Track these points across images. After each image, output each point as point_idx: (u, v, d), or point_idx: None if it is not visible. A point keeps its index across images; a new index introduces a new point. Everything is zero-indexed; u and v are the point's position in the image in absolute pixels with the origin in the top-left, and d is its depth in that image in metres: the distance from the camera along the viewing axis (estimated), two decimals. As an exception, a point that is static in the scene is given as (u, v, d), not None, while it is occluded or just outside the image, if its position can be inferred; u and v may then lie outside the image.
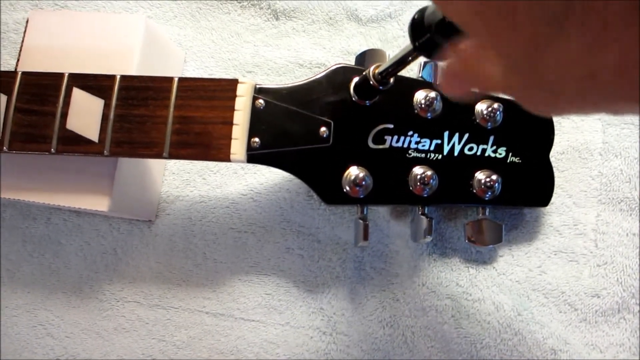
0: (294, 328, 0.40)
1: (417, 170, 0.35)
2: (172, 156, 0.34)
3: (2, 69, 0.49)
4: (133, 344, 0.42)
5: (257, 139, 0.34)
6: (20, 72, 0.37)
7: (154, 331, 0.42)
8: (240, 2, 0.46)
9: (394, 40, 0.44)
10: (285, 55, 0.45)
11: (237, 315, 0.41)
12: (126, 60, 0.40)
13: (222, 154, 0.34)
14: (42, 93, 0.37)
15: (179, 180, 0.44)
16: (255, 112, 0.34)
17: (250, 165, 0.43)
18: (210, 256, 0.42)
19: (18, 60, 0.41)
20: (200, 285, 0.42)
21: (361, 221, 0.36)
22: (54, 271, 0.44)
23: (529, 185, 0.37)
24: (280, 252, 0.41)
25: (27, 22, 0.42)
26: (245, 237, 0.42)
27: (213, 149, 0.34)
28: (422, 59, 0.41)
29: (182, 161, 0.45)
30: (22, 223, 0.46)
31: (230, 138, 0.34)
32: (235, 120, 0.34)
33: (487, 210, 0.37)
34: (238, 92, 0.34)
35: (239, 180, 0.43)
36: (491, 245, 0.38)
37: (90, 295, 0.44)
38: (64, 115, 0.36)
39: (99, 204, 0.37)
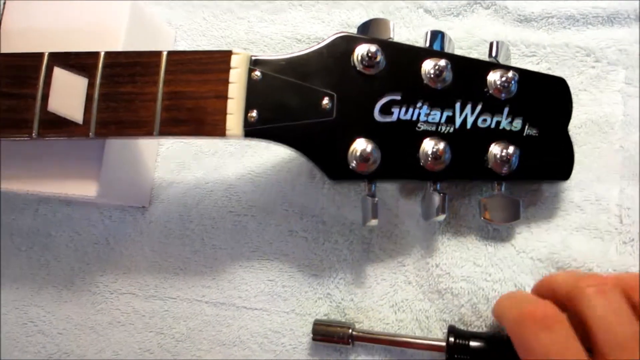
0: (300, 315, 0.38)
1: (428, 143, 0.33)
2: (162, 134, 0.32)
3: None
4: (129, 338, 0.40)
5: (254, 114, 0.32)
6: (-4, 54, 0.35)
7: (151, 324, 0.40)
8: (232, -25, 0.43)
9: (397, 12, 0.42)
10: (281, 31, 0.42)
11: (238, 303, 0.39)
12: (111, 42, 0.37)
13: (217, 130, 0.31)
14: (21, 75, 0.34)
15: (172, 164, 0.41)
16: (251, 85, 0.32)
17: (248, 146, 0.41)
18: (208, 242, 0.40)
19: (-4, 45, 0.38)
20: (199, 273, 0.40)
21: (369, 198, 0.33)
22: (43, 265, 0.42)
23: (548, 158, 0.34)
24: (283, 235, 0.39)
25: (3, 5, 0.39)
26: (245, 220, 0.40)
27: (207, 125, 0.31)
28: (429, 28, 0.39)
29: (175, 145, 0.42)
30: (8, 216, 0.43)
31: (225, 113, 0.31)
32: (229, 94, 0.31)
33: (503, 186, 0.35)
34: (232, 64, 0.32)
35: (236, 161, 0.40)
36: (508, 223, 0.36)
37: (82, 289, 0.41)
38: (45, 97, 0.33)
39: (86, 189, 0.35)
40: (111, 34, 0.37)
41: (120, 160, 0.37)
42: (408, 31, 0.41)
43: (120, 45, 0.37)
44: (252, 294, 0.39)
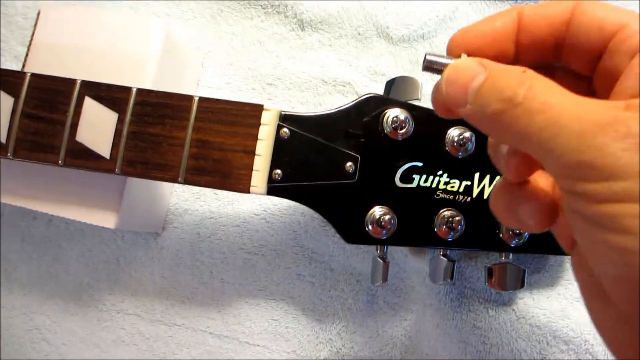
0: (300, 357, 0.39)
1: (445, 213, 0.33)
2: (187, 182, 0.32)
3: (8, 56, 0.47)
4: (132, 358, 0.41)
5: (279, 171, 0.32)
6: (29, 74, 0.35)
7: (154, 347, 0.41)
8: (264, 9, 0.43)
9: (424, 61, 0.42)
10: (309, 70, 0.42)
11: (241, 338, 0.40)
12: (142, 68, 0.37)
13: (241, 185, 0.32)
14: (51, 99, 0.35)
15: (189, 192, 0.42)
16: (279, 142, 0.32)
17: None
18: (217, 275, 0.41)
19: (26, 56, 0.39)
20: (205, 304, 0.41)
21: (380, 260, 0.34)
22: (52, 275, 0.43)
23: (557, 233, 0.35)
24: (291, 278, 0.40)
25: (38, 15, 0.39)
26: (255, 259, 0.40)
27: (232, 178, 0.32)
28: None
29: (193, 172, 0.42)
30: (21, 221, 0.44)
31: (251, 169, 0.32)
32: (257, 151, 0.32)
33: (511, 254, 0.36)
34: (262, 120, 0.32)
35: (252, 198, 0.41)
36: (512, 291, 0.37)
37: (89, 304, 0.42)
38: (74, 125, 0.34)
39: (105, 220, 0.36)
40: (143, 60, 0.38)
41: (141, 191, 0.37)
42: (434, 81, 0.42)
43: (151, 72, 0.37)
44: (256, 331, 0.40)
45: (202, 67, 0.44)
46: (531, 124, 0.18)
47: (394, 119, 0.33)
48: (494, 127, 0.20)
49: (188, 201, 0.42)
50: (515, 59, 0.24)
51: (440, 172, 0.34)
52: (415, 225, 0.34)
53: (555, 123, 0.18)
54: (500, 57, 0.23)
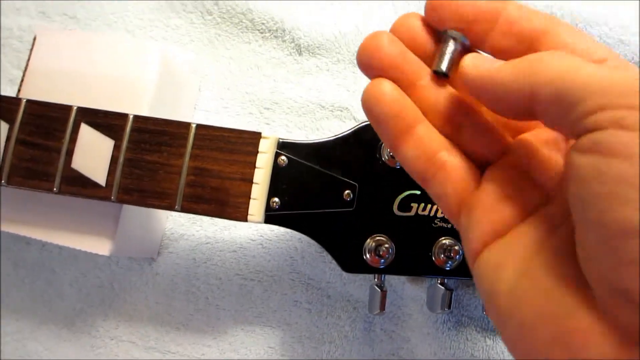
0: (296, 386, 0.39)
1: (444, 242, 0.33)
2: (184, 210, 0.32)
3: (3, 80, 0.47)
4: (125, 387, 0.40)
5: (276, 199, 0.32)
6: (24, 100, 0.35)
7: (148, 375, 0.40)
8: (262, 33, 0.43)
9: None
10: (306, 95, 0.42)
11: (237, 366, 0.39)
12: (139, 92, 0.37)
13: (239, 214, 0.32)
14: (47, 125, 0.34)
15: (185, 217, 0.42)
16: (276, 170, 0.32)
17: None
18: (212, 302, 0.40)
19: (22, 82, 0.38)
20: (201, 331, 0.40)
21: (378, 289, 0.34)
22: (46, 300, 0.42)
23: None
24: (287, 305, 0.39)
25: (34, 40, 0.39)
26: (251, 285, 0.40)
27: (230, 206, 0.32)
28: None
29: (189, 196, 0.42)
30: (14, 245, 0.43)
31: (249, 197, 0.32)
32: (255, 179, 0.32)
33: (509, 282, 0.36)
34: (260, 148, 0.32)
35: (248, 224, 0.41)
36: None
37: (82, 330, 0.41)
38: (70, 152, 0.34)
39: (100, 247, 0.35)
40: (140, 85, 0.37)
41: (137, 217, 0.37)
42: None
43: (148, 97, 0.37)
44: (252, 359, 0.39)
45: (200, 91, 0.44)
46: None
47: (392, 147, 0.33)
48: (524, 70, 0.19)
49: (184, 226, 0.41)
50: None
51: (438, 201, 0.34)
52: (413, 254, 0.33)
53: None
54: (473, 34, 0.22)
